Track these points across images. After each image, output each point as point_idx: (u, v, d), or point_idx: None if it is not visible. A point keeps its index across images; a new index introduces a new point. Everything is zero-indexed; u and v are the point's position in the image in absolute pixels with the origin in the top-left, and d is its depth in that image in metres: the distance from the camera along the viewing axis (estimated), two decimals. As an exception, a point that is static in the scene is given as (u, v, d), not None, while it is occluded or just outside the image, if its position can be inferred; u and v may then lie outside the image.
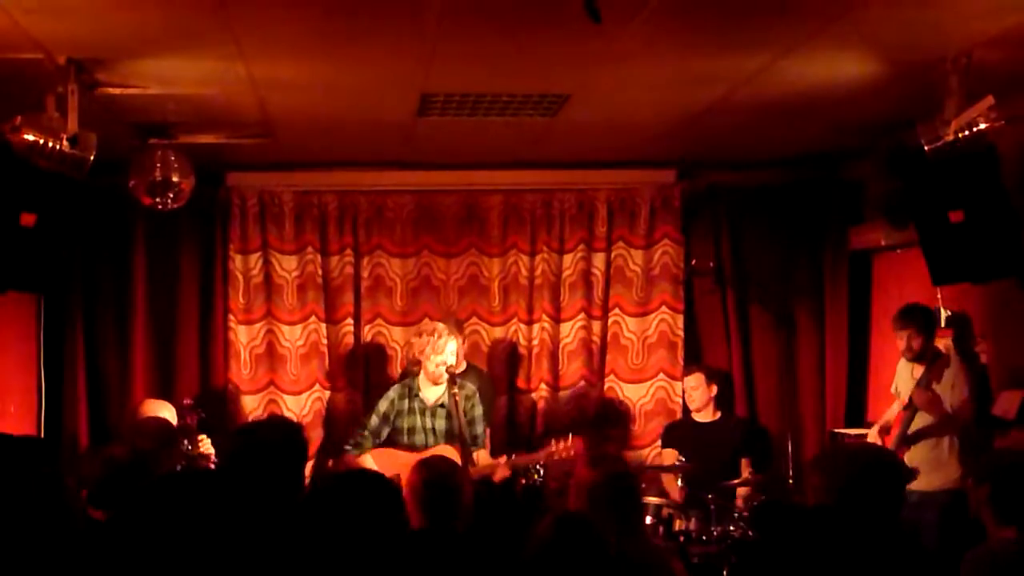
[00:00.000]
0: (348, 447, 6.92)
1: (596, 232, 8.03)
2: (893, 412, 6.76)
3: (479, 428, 6.86)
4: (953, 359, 6.33)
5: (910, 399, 6.37)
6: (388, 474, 5.98)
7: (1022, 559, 3.85)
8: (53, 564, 3.33)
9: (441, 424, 6.72)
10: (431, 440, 6.76)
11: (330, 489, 3.17)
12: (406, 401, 6.86)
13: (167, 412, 6.45)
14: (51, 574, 3.29)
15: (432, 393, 6.75)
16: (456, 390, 6.64)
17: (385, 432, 6.85)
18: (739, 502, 6.84)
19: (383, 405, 6.92)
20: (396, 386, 7.05)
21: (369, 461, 6.71)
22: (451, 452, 6.48)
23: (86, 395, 7.60)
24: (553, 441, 6.88)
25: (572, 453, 6.79)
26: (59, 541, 3.59)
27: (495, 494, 6.72)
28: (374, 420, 6.89)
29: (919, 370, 6.42)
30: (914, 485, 6.14)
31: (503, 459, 6.82)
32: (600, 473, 4.35)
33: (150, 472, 4.48)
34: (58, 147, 4.97)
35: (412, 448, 6.73)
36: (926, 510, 6.11)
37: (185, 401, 7.10)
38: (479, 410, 6.91)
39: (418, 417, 6.81)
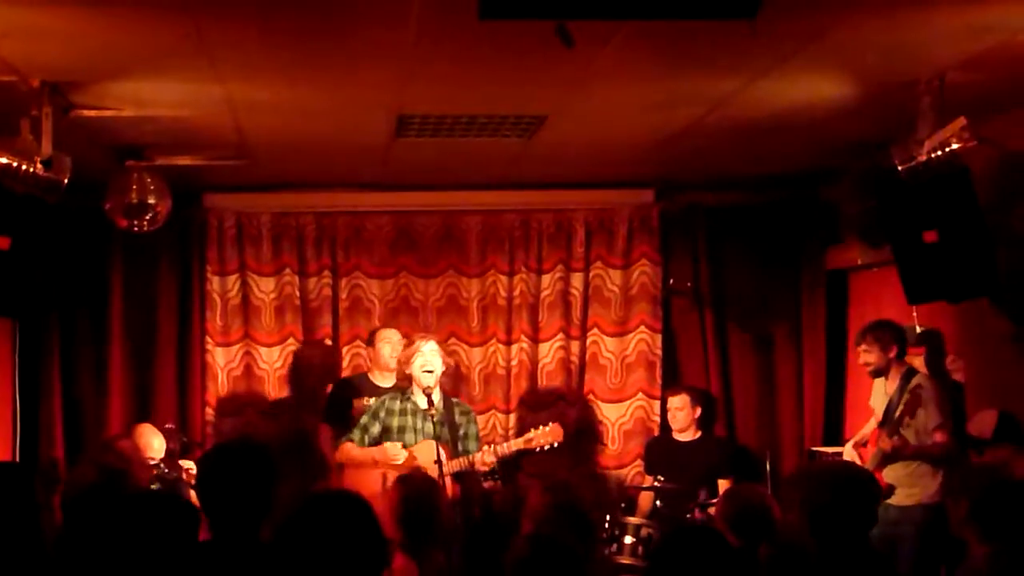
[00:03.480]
0: (340, 439, 6.88)
1: (574, 252, 8.05)
2: (870, 427, 6.77)
3: (473, 446, 6.81)
4: (924, 380, 6.34)
5: (884, 421, 6.38)
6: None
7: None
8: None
9: (430, 428, 6.66)
10: (420, 439, 6.69)
11: (305, 512, 3.17)
12: (397, 402, 6.79)
13: (157, 439, 6.39)
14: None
15: (423, 401, 6.71)
16: (434, 411, 6.58)
17: (376, 428, 6.74)
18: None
19: (374, 404, 6.88)
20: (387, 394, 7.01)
21: (354, 450, 6.71)
22: (432, 448, 6.47)
23: (62, 419, 7.55)
24: (532, 428, 6.89)
25: (552, 440, 6.80)
26: (31, 564, 3.57)
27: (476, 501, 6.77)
28: (364, 417, 6.83)
29: (891, 386, 6.43)
30: (892, 500, 6.16)
31: (485, 448, 6.81)
32: (552, 500, 4.36)
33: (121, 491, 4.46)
34: (32, 170, 4.95)
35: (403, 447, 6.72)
36: (904, 525, 6.12)
37: (167, 425, 7.07)
38: (474, 428, 6.89)
39: (409, 417, 6.75)
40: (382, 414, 6.78)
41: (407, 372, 6.77)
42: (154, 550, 3.39)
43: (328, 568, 3.11)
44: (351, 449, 6.75)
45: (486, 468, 6.78)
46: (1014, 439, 5.64)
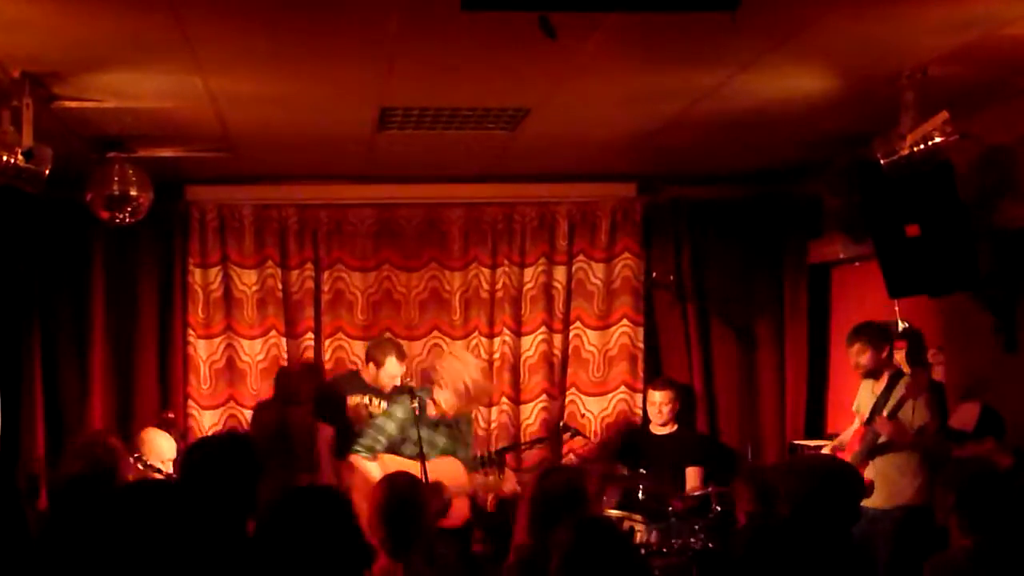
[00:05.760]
0: (359, 449, 6.58)
1: (557, 245, 8.04)
2: (849, 433, 6.78)
3: (468, 453, 6.70)
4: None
5: (870, 418, 6.39)
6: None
7: (977, 569, 3.88)
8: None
9: (442, 441, 6.62)
10: (432, 454, 6.62)
11: (281, 506, 3.16)
12: (417, 412, 6.78)
13: (167, 441, 6.11)
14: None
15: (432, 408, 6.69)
16: (415, 403, 6.53)
17: (398, 440, 6.61)
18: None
19: (399, 412, 6.63)
20: (404, 396, 6.76)
21: (375, 469, 6.39)
22: (459, 467, 6.45)
23: (43, 412, 7.51)
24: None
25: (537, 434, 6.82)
26: (17, 556, 3.56)
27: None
28: (391, 427, 6.60)
29: (880, 387, 6.45)
30: (870, 501, 6.15)
31: (509, 473, 6.77)
32: (545, 485, 4.36)
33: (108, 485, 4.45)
34: (13, 161, 4.92)
35: (413, 457, 6.68)
36: (881, 525, 6.13)
37: (168, 415, 7.05)
38: (470, 436, 6.85)
39: (425, 430, 6.70)
40: (408, 426, 6.56)
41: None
42: (140, 543, 3.38)
43: (306, 562, 3.11)
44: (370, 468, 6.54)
45: (513, 491, 6.65)
46: (996, 433, 5.66)
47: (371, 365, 7.24)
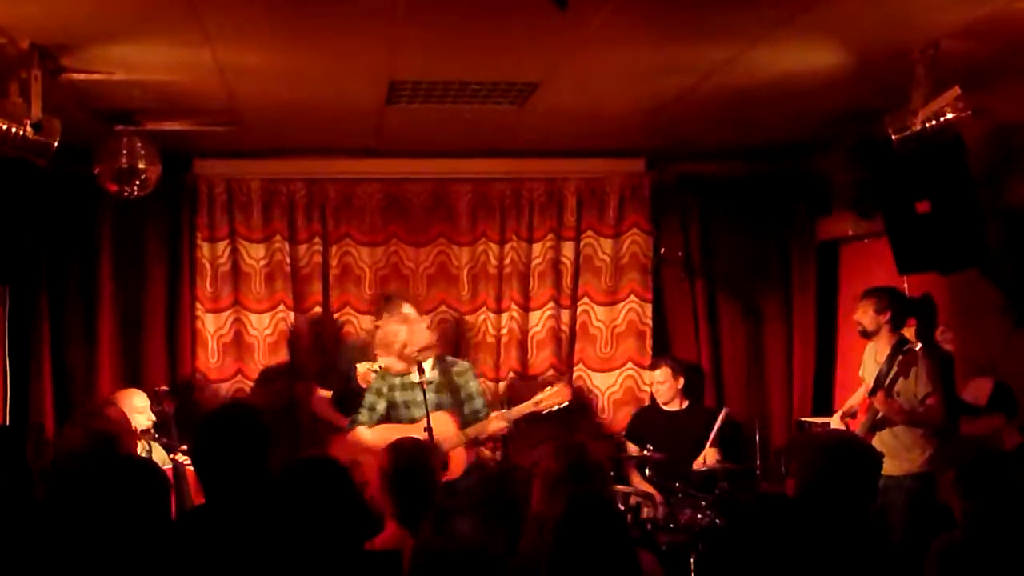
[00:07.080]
0: (355, 424, 6.79)
1: (565, 221, 8.03)
2: (857, 398, 6.79)
3: (478, 402, 6.80)
4: (917, 348, 6.35)
5: (874, 390, 6.39)
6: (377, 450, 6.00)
7: (974, 547, 3.89)
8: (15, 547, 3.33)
9: (433, 397, 6.63)
10: (419, 414, 6.62)
11: (282, 477, 3.18)
12: (398, 377, 6.79)
13: (140, 400, 6.41)
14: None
15: (415, 374, 6.69)
16: (425, 379, 6.56)
17: (381, 406, 6.74)
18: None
19: (374, 382, 6.86)
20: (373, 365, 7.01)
21: (366, 433, 6.67)
22: (447, 419, 6.47)
23: (52, 384, 7.53)
24: (539, 391, 6.89)
25: (560, 400, 6.80)
26: (23, 524, 3.58)
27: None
28: (368, 396, 6.83)
29: (883, 354, 6.44)
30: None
31: (495, 414, 6.79)
32: (563, 463, 4.37)
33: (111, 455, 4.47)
34: (21, 133, 4.92)
35: (412, 421, 6.69)
36: (894, 495, 6.13)
37: (161, 388, 7.06)
38: (475, 384, 6.85)
39: (410, 391, 6.71)
40: (385, 389, 6.77)
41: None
42: (142, 515, 3.40)
43: (307, 532, 3.11)
44: (363, 434, 6.71)
45: (501, 433, 6.83)
46: (1007, 409, 5.66)
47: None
